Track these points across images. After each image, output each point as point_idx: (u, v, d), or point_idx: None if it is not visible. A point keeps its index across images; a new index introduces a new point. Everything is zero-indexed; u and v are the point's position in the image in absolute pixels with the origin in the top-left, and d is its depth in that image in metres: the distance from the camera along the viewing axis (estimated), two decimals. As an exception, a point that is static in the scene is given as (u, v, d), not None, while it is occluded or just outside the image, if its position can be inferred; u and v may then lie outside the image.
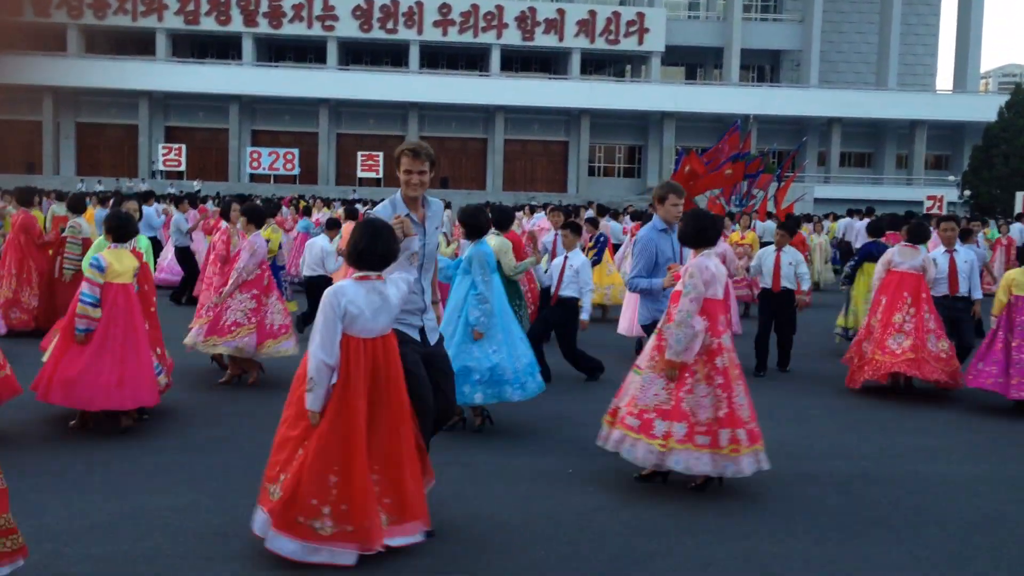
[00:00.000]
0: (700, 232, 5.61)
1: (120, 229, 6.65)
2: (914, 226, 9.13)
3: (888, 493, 5.70)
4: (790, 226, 10.29)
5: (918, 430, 7.50)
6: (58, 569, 4.17)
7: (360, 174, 50.61)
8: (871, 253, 10.62)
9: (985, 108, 48.37)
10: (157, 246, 14.91)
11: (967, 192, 42.52)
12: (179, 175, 49.04)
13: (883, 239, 11.06)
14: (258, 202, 13.52)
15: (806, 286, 9.86)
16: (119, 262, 6.53)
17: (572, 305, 8.73)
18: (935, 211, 28.60)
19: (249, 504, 5.06)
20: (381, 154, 50.45)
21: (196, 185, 43.30)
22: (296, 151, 51.38)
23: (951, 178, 50.59)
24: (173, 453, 6.09)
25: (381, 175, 50.24)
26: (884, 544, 4.81)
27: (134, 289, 6.66)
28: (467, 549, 4.54)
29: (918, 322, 8.57)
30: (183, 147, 50.68)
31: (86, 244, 9.84)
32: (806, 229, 19.48)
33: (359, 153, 51.38)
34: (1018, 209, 28.33)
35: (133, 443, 6.33)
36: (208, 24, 52.49)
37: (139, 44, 53.95)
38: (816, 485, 5.81)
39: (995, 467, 6.45)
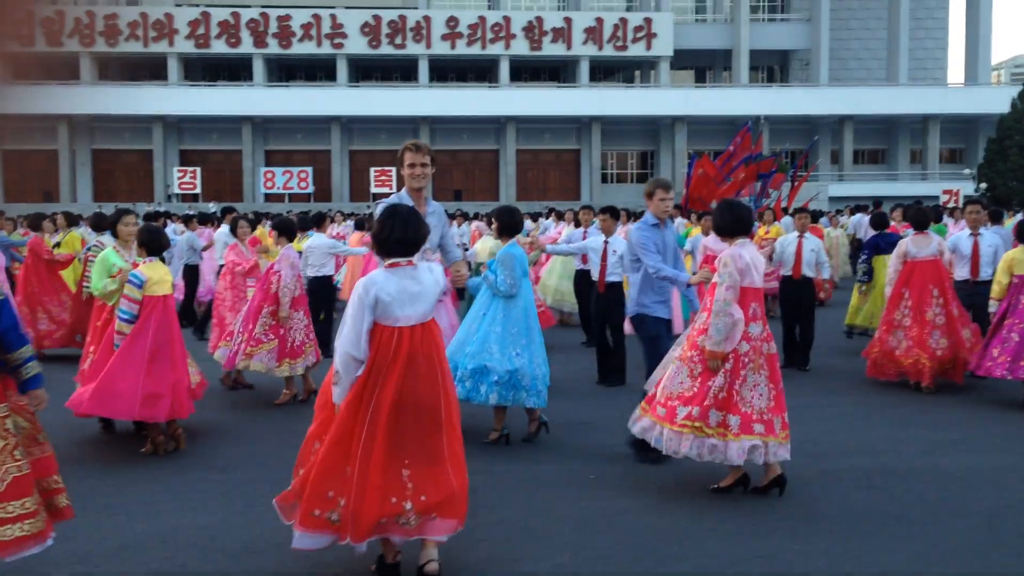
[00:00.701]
0: (735, 221, 5.60)
1: (153, 243, 6.74)
2: (914, 213, 9.11)
3: (910, 487, 5.71)
4: (810, 211, 10.35)
5: (938, 424, 7.49)
6: (92, 588, 4.24)
7: (374, 190, 50.81)
8: (878, 245, 10.64)
9: (998, 100, 48.07)
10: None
11: (983, 185, 42.27)
12: (194, 198, 49.41)
13: (888, 230, 11.09)
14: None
15: (826, 274, 9.91)
16: (156, 273, 6.64)
17: (620, 289, 8.80)
18: (952, 205, 28.44)
19: (274, 518, 5.12)
20: (394, 169, 50.49)
21: (212, 207, 43.62)
22: (310, 169, 51.66)
23: (966, 171, 50.28)
24: (201, 471, 6.17)
25: (394, 190, 50.30)
26: (907, 538, 4.82)
27: (174, 300, 6.82)
28: (492, 555, 4.58)
29: (948, 316, 8.58)
30: (198, 170, 51.07)
31: None
32: (821, 227, 19.43)
33: (372, 169, 51.60)
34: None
35: (160, 463, 6.41)
36: (218, 47, 52.95)
37: (151, 69, 54.48)
38: (838, 482, 5.82)
39: (1018, 458, 6.44)
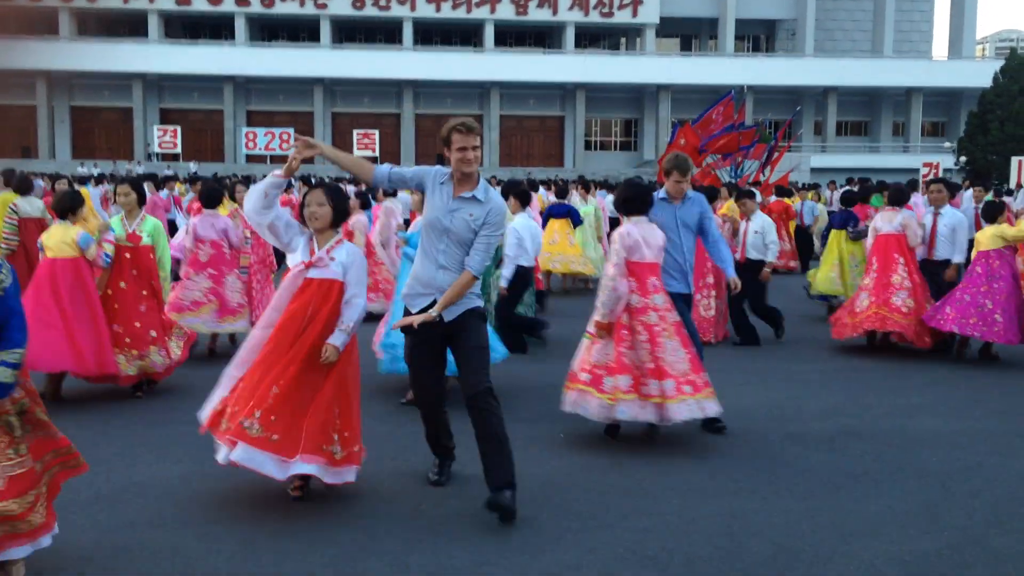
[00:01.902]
0: (627, 201, 5.93)
1: (58, 207, 6.86)
2: (893, 190, 9.47)
3: (870, 449, 5.87)
4: (749, 192, 10.29)
5: (900, 389, 7.67)
6: (66, 536, 4.31)
7: (356, 152, 50.58)
8: (838, 221, 11.09)
9: (981, 74, 48.29)
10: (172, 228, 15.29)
11: (963, 158, 42.55)
12: (175, 157, 49.05)
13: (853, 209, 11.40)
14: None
15: (771, 257, 9.70)
16: (51, 238, 6.73)
17: (526, 274, 9.01)
18: (931, 178, 28.63)
19: (249, 471, 5.24)
20: (377, 132, 50.41)
21: (193, 167, 43.30)
22: (291, 130, 51.30)
23: (947, 145, 50.57)
24: (175, 425, 6.25)
25: (377, 153, 50.18)
26: (864, 498, 4.98)
27: (82, 262, 6.75)
28: (461, 509, 4.70)
29: (913, 282, 8.89)
30: (178, 129, 50.63)
31: (26, 225, 10.01)
32: (805, 196, 19.57)
33: (355, 131, 51.32)
34: (1014, 175, 28.26)
35: (135, 417, 6.50)
36: (200, 4, 52.26)
37: (131, 26, 53.75)
38: (800, 444, 5.98)
39: (976, 422, 6.62)
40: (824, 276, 10.81)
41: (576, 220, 13.16)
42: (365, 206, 11.28)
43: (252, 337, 4.86)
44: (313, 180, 18.33)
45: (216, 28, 55.38)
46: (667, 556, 4.18)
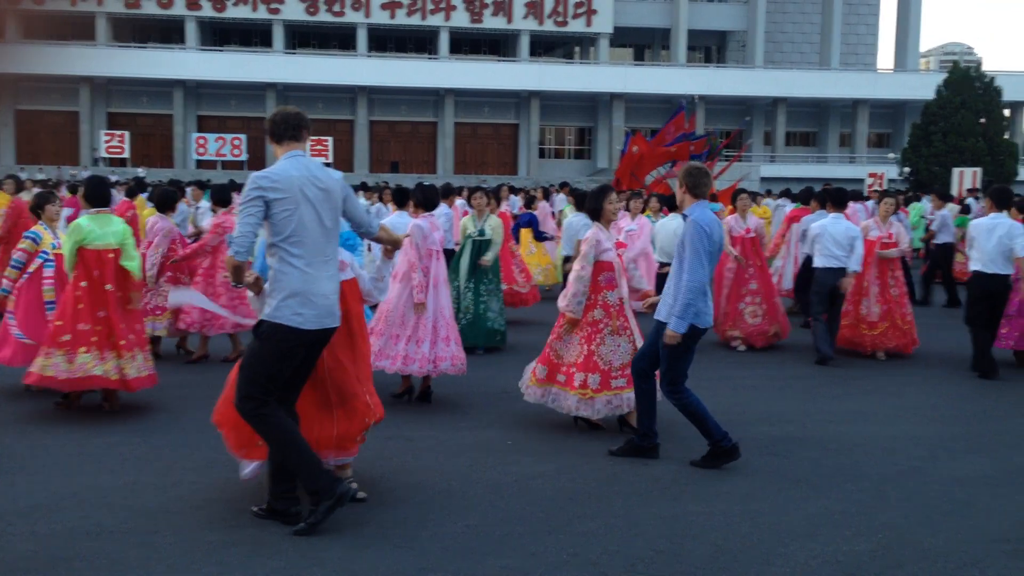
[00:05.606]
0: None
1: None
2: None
3: (810, 454, 6.00)
4: (668, 200, 10.32)
5: (841, 397, 7.84)
6: (3, 545, 4.26)
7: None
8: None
9: (925, 86, 49.33)
10: None
11: (907, 169, 43.45)
12: (122, 162, 48.19)
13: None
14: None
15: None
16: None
17: None
18: (876, 188, 29.19)
19: (192, 481, 5.21)
20: (330, 139, 50.00)
21: (141, 172, 42.60)
22: (243, 137, 50.71)
23: (891, 155, 51.60)
24: (117, 435, 6.17)
25: (331, 160, 49.82)
26: (803, 500, 5.09)
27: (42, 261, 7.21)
28: (408, 516, 4.71)
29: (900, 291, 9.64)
30: (126, 134, 49.72)
31: None
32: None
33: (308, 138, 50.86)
34: (955, 185, 28.90)
35: (77, 426, 6.40)
36: (150, 7, 51.49)
37: (79, 29, 52.75)
38: (743, 449, 6.05)
39: (911, 428, 6.79)
40: None
41: (536, 230, 13.13)
42: None
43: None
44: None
45: (166, 32, 54.60)
46: (608, 559, 4.24)
